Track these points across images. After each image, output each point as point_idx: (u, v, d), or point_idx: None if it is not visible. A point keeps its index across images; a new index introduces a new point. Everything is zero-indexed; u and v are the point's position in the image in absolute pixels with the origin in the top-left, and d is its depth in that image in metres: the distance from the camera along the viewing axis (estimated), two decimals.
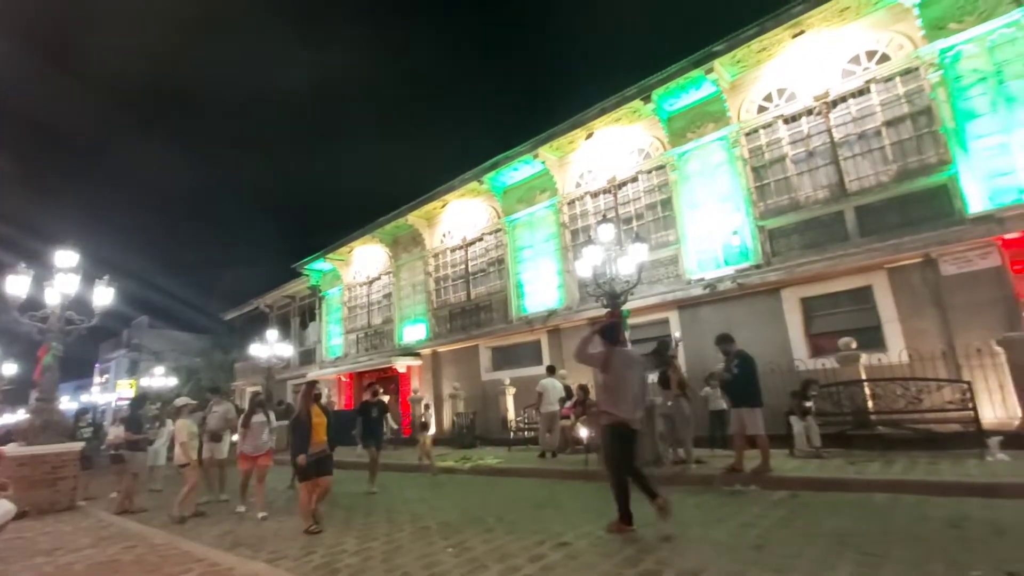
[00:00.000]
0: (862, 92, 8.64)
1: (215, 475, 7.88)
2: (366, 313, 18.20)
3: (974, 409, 6.46)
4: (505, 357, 13.77)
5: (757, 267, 9.36)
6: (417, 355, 15.69)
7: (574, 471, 7.77)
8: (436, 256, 15.85)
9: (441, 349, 15.16)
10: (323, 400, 16.68)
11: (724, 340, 6.88)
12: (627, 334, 8.96)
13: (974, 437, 6.33)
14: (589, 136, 12.03)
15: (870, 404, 7.45)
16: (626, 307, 8.73)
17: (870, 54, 8.65)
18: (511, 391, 12.54)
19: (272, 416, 7.09)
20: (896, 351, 7.72)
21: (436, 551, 4.42)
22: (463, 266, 15.06)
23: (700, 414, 8.12)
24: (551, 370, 10.60)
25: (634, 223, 11.19)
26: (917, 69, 8.11)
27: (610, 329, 4.94)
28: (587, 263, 8.48)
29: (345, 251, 18.49)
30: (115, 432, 8.68)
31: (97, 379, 40.02)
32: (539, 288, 12.96)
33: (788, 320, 8.99)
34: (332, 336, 19.63)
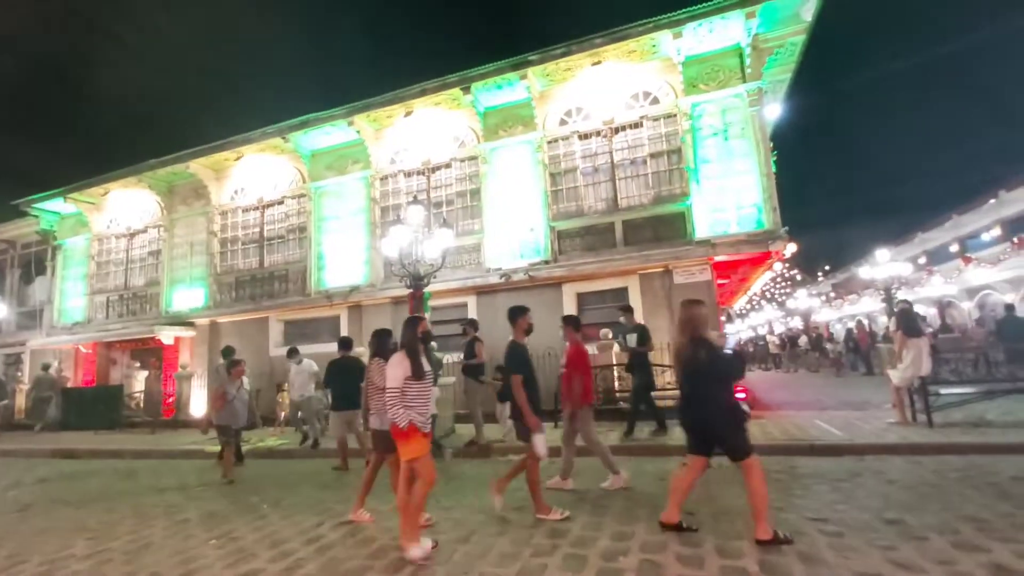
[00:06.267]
0: (637, 125, 10.34)
1: None
2: (123, 272, 15.16)
3: None
4: (299, 332, 12.98)
5: (546, 263, 10.54)
6: (190, 324, 13.74)
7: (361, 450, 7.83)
8: (224, 214, 13.99)
9: (222, 319, 13.56)
10: (51, 371, 13.58)
11: (343, 345, 7.52)
12: (427, 315, 9.34)
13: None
14: (408, 114, 11.92)
15: (617, 384, 9.12)
16: (428, 289, 9.03)
17: (646, 94, 10.37)
18: None
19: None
20: None
21: (195, 545, 4.13)
22: (257, 229, 13.61)
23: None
24: (294, 352, 9.38)
25: (444, 208, 11.52)
26: (675, 115, 10.03)
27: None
28: (394, 242, 8.49)
29: (97, 192, 15.06)
30: None
31: None
32: (343, 262, 12.48)
33: (566, 311, 10.37)
34: (70, 296, 15.88)
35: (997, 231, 22.60)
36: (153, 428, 11.76)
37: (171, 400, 13.07)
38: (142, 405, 13.18)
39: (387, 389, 3.74)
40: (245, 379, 7.30)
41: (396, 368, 3.79)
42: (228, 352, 8.60)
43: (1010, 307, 13.95)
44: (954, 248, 25.36)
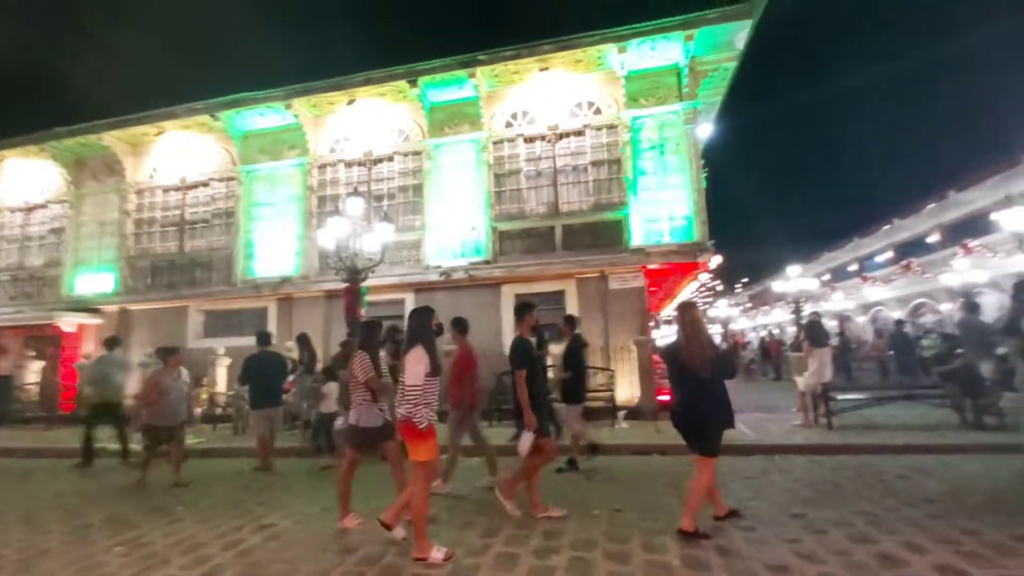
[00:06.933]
0: (580, 133, 10.62)
1: None
2: (17, 250, 13.64)
3: (613, 390, 8.75)
4: (222, 323, 12.23)
5: (487, 262, 10.57)
6: (96, 311, 12.58)
7: (293, 448, 7.52)
8: (141, 193, 12.93)
9: (134, 307, 12.52)
10: None
11: (262, 339, 7.22)
12: (363, 311, 9.10)
13: (611, 411, 8.58)
14: (351, 102, 11.56)
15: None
16: (365, 284, 8.82)
17: (590, 104, 10.68)
18: (225, 362, 11.25)
19: None
20: None
21: (97, 552, 3.79)
22: (179, 212, 12.69)
23: None
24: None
25: (385, 202, 11.29)
26: (617, 127, 10.40)
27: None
28: (331, 234, 8.24)
29: None
30: None
31: None
32: (273, 251, 11.90)
33: (503, 312, 10.45)
34: None
35: (890, 254, 25.21)
36: (49, 424, 10.67)
37: (71, 393, 11.88)
38: (37, 398, 11.92)
39: (408, 387, 3.49)
40: (183, 370, 6.55)
41: (417, 365, 3.50)
42: (114, 343, 7.77)
43: (900, 323, 15.61)
44: (854, 267, 28.01)
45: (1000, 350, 6.39)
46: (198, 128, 12.32)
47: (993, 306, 17.52)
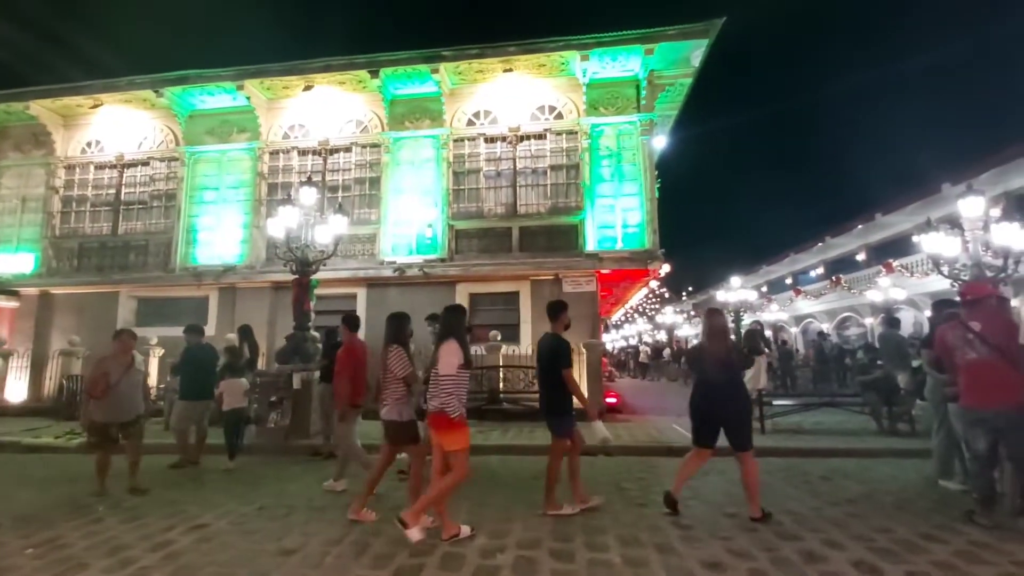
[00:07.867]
0: (541, 136, 10.75)
1: None
2: None
3: None
4: (157, 311, 11.54)
5: (442, 260, 10.51)
6: (13, 294, 11.59)
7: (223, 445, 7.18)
8: (71, 168, 12.03)
9: (57, 291, 11.62)
10: None
11: (197, 331, 6.90)
12: (312, 304, 8.82)
13: None
14: (308, 88, 11.20)
15: (502, 385, 9.37)
16: (316, 276, 8.57)
17: (551, 108, 10.82)
18: (157, 352, 10.62)
19: None
20: (525, 345, 9.93)
21: (7, 555, 3.51)
22: (114, 191, 11.88)
23: None
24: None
25: (339, 193, 11.00)
26: (576, 133, 10.60)
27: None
28: (281, 223, 7.97)
29: None
30: None
31: None
32: (217, 238, 11.36)
33: None
34: None
35: (821, 270, 26.88)
36: None
37: None
38: None
39: (442, 377, 3.70)
40: (137, 355, 5.54)
41: (452, 356, 3.70)
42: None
43: (821, 335, 16.66)
44: (789, 281, 29.71)
45: (915, 362, 6.95)
46: (140, 104, 11.59)
47: (909, 322, 19.06)
